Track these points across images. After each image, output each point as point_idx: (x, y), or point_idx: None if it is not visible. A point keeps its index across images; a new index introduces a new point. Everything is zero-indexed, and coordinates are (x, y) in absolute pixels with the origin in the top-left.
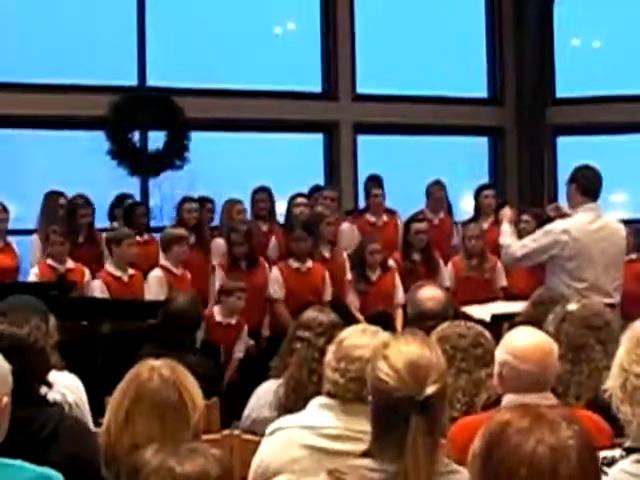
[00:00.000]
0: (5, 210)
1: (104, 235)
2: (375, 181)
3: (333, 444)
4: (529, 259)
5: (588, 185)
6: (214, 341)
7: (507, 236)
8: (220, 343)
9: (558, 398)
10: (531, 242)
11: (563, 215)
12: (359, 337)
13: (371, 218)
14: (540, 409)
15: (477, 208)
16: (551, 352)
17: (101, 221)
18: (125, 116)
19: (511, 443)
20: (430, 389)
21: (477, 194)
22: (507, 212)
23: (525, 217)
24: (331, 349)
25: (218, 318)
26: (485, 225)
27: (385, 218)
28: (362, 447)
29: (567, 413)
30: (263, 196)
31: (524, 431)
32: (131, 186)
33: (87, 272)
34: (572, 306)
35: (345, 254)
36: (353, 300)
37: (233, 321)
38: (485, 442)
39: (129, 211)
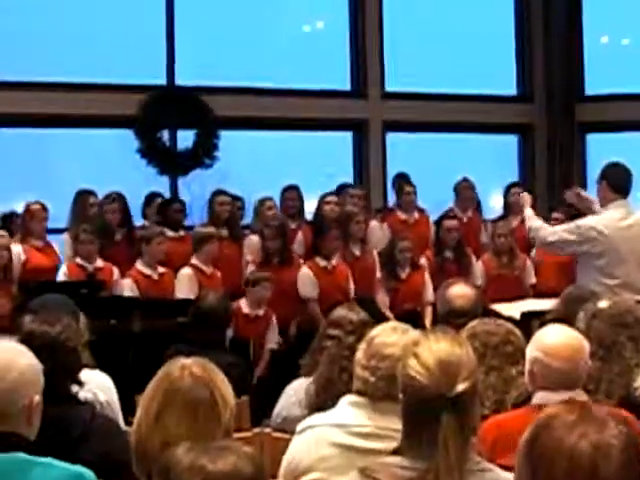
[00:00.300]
0: (45, 209)
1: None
2: (405, 178)
3: (364, 442)
4: (558, 248)
5: (618, 182)
6: (243, 335)
7: (534, 219)
8: (250, 336)
9: (589, 395)
10: (563, 232)
11: (585, 201)
12: (389, 335)
13: (402, 215)
14: (590, 406)
15: (506, 206)
16: (582, 349)
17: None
18: (154, 115)
19: (554, 435)
20: (461, 386)
21: (506, 192)
22: (526, 197)
23: (556, 215)
24: (361, 347)
25: (246, 310)
26: (514, 223)
27: (416, 215)
28: (393, 445)
29: (617, 413)
30: (292, 194)
31: (569, 425)
32: (161, 185)
33: (116, 271)
34: (603, 303)
35: (375, 252)
36: (383, 298)
37: (261, 312)
38: (530, 433)
39: (164, 207)
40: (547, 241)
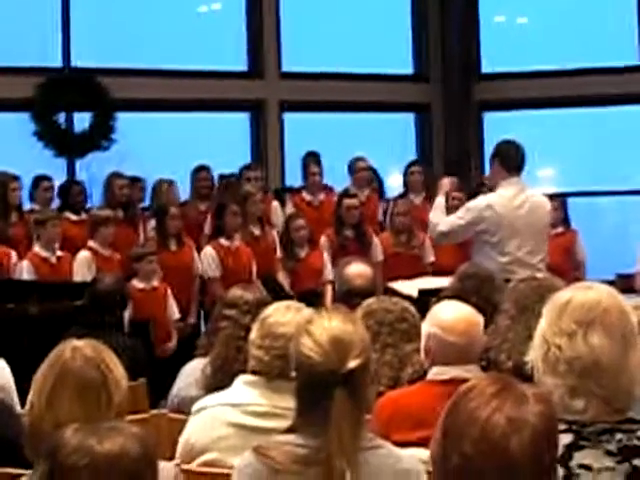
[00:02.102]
0: None
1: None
2: (313, 158)
3: (259, 421)
4: (455, 235)
5: (511, 160)
6: (142, 311)
7: (437, 212)
8: (148, 311)
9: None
10: (456, 219)
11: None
12: (283, 314)
13: (307, 196)
14: (513, 381)
15: (406, 184)
16: (477, 324)
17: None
18: (50, 97)
19: (469, 405)
20: (353, 363)
21: (405, 170)
22: (445, 183)
23: (454, 194)
24: (255, 326)
25: (140, 286)
26: (415, 201)
27: (322, 196)
28: (287, 424)
29: (542, 393)
30: (204, 175)
31: (487, 396)
32: (58, 168)
33: (13, 254)
34: (540, 274)
35: (275, 232)
36: (283, 278)
37: (155, 283)
38: (450, 402)
39: (64, 190)
40: (443, 232)
